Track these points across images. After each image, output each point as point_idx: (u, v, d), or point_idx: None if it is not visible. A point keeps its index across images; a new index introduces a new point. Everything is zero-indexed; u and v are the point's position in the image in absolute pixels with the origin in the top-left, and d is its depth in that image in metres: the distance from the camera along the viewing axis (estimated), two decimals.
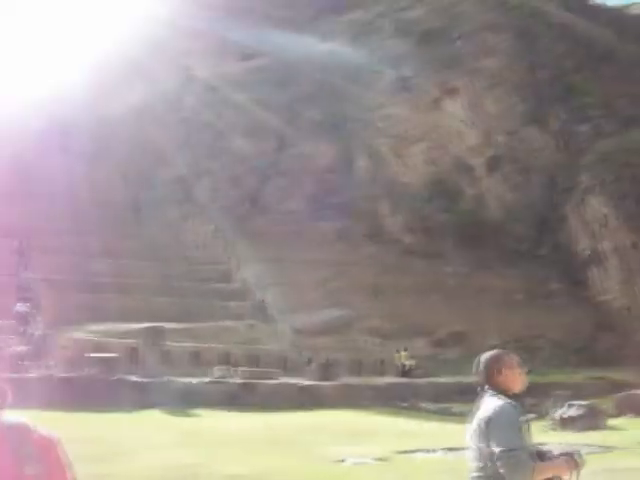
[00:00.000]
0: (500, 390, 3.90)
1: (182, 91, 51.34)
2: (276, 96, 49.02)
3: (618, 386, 28.88)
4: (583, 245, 44.57)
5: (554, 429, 19.25)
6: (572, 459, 3.75)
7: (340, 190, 46.92)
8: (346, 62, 50.97)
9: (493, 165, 48.57)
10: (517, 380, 3.99)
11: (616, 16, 63.10)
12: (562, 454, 3.87)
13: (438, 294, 39.85)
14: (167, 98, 49.34)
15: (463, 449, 13.11)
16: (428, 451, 14.85)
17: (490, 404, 3.80)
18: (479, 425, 3.74)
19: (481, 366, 4.01)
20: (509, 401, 3.81)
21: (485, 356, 4.07)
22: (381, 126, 49.81)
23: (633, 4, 69.98)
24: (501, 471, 3.59)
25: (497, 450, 3.61)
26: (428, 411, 24.99)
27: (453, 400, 26.20)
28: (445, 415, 23.87)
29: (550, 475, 3.67)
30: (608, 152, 44.85)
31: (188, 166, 47.00)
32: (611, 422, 21.01)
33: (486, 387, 3.96)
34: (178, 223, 45.09)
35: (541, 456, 3.81)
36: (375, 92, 50.48)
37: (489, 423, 3.71)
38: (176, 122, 49.64)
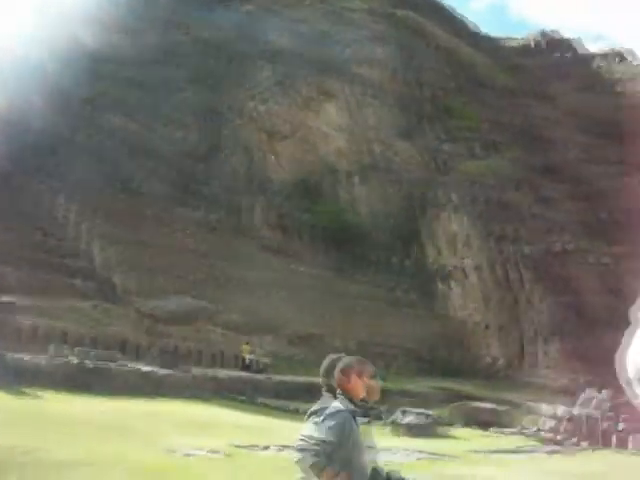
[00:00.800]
0: (345, 395, 3.88)
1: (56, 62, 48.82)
2: (153, 73, 47.69)
3: (459, 397, 30.25)
4: (438, 260, 46.33)
5: (393, 435, 19.80)
6: None
7: (207, 178, 46.37)
8: (229, 50, 50.55)
9: (360, 172, 49.54)
10: (362, 388, 3.97)
11: (494, 47, 66.25)
12: None
13: (292, 293, 40.12)
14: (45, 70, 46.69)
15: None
16: (262, 447, 14.86)
17: (329, 405, 3.78)
18: (311, 423, 3.71)
19: (330, 369, 3.99)
20: (349, 406, 3.80)
21: (336, 360, 4.04)
22: (254, 118, 49.65)
23: (508, 38, 73.82)
24: (296, 454, 3.57)
25: (300, 436, 3.59)
26: (268, 407, 25.02)
27: (295, 398, 26.42)
28: (284, 412, 24.00)
29: None
30: (471, 173, 46.85)
31: (57, 138, 44.59)
32: (445, 430, 21.92)
33: (327, 389, 3.94)
34: (44, 195, 42.74)
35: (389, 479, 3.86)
36: (253, 84, 50.29)
37: (318, 421, 3.69)
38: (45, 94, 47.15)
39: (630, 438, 19.44)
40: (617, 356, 2.26)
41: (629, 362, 2.13)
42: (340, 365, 3.96)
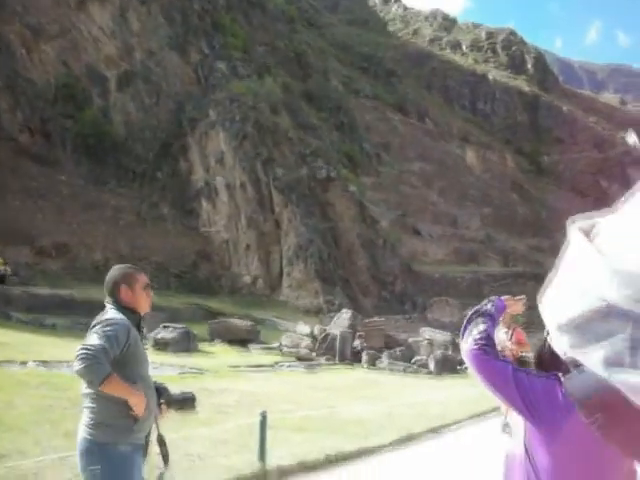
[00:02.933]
0: (122, 306, 3.81)
1: None
2: None
3: (212, 314, 30.80)
4: (199, 177, 46.18)
5: (154, 350, 19.70)
6: (145, 404, 3.72)
7: None
8: None
9: (125, 81, 47.53)
10: (142, 300, 3.94)
11: None
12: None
13: (47, 202, 38.10)
14: None
15: (55, 362, 12.72)
16: (20, 363, 14.21)
17: (105, 315, 3.69)
18: (92, 333, 3.63)
19: (110, 280, 3.88)
20: (128, 316, 3.76)
21: (116, 270, 3.95)
22: (18, 13, 45.30)
23: None
24: (75, 364, 3.50)
25: (80, 346, 3.52)
26: (20, 321, 23.81)
27: (49, 312, 25.42)
28: (38, 327, 23.03)
29: (120, 395, 3.60)
30: (239, 93, 46.71)
31: None
32: (204, 347, 22.28)
33: (109, 299, 3.86)
34: None
35: (158, 390, 3.85)
36: None
37: (94, 326, 3.62)
38: None
39: (380, 357, 21.15)
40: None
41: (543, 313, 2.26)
42: (119, 275, 3.89)
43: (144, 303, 3.96)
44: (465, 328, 2.42)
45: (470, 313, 2.51)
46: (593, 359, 0.80)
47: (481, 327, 2.40)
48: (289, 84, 55.12)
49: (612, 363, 0.76)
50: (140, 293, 3.93)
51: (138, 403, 3.64)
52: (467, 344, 2.34)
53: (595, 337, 0.77)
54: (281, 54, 59.97)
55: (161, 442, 3.95)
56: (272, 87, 50.08)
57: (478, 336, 2.34)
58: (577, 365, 2.08)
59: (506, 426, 6.18)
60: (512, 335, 8.69)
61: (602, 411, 1.45)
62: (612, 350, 0.76)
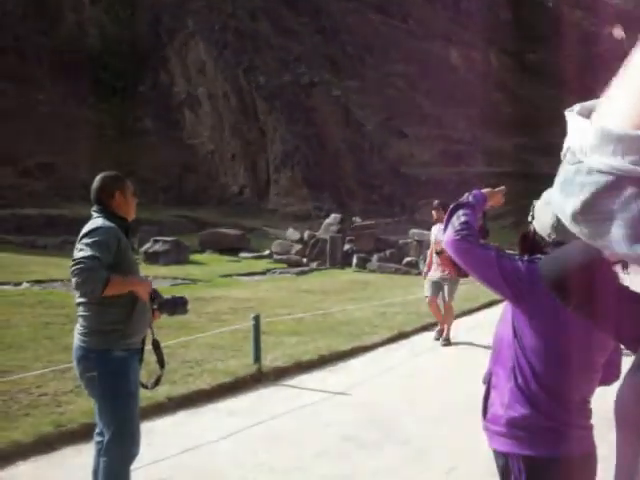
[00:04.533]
0: (111, 213, 3.81)
1: None
2: None
3: (202, 225, 30.88)
4: (180, 88, 45.37)
5: (146, 263, 19.84)
6: (151, 288, 3.84)
7: None
8: None
9: None
10: (131, 207, 3.95)
11: None
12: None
13: (27, 122, 37.44)
14: None
15: (50, 281, 12.85)
16: (14, 283, 14.33)
17: (94, 223, 3.70)
18: (82, 244, 3.62)
19: (102, 186, 3.87)
20: (115, 224, 3.75)
21: (107, 177, 3.93)
22: None
23: None
24: (72, 280, 3.53)
25: (72, 261, 3.54)
26: (12, 243, 23.85)
27: (39, 233, 25.43)
28: (30, 248, 23.10)
29: (126, 289, 3.66)
30: (217, 1, 45.41)
31: None
32: (195, 257, 22.46)
33: (96, 208, 3.84)
34: None
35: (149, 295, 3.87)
36: None
37: (82, 237, 3.63)
38: None
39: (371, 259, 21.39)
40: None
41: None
42: (106, 180, 3.89)
43: (132, 210, 3.98)
44: (447, 221, 2.46)
45: (452, 206, 2.56)
46: (614, 239, 0.78)
47: (462, 218, 2.45)
48: None
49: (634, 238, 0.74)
50: (131, 199, 3.96)
51: (144, 290, 3.74)
52: (448, 235, 2.39)
53: (609, 215, 0.76)
54: None
55: (156, 346, 4.04)
56: None
57: (459, 227, 2.40)
58: (558, 246, 2.13)
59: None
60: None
61: (573, 291, 1.49)
62: (630, 224, 0.74)
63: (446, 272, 9.44)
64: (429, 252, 10.39)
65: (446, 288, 9.76)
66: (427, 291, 9.96)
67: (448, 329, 9.86)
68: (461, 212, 2.50)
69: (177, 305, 3.95)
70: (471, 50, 74.76)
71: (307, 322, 10.60)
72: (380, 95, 54.98)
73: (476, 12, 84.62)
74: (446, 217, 2.53)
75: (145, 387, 4.05)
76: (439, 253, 9.37)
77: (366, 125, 48.39)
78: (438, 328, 10.26)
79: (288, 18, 52.57)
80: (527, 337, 2.28)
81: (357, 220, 24.67)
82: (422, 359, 9.00)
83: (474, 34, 78.08)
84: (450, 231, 2.43)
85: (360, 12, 66.95)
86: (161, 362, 4.05)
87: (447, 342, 9.77)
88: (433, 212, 9.90)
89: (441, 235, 2.87)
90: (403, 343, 9.97)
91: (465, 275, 6.16)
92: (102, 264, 3.51)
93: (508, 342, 2.34)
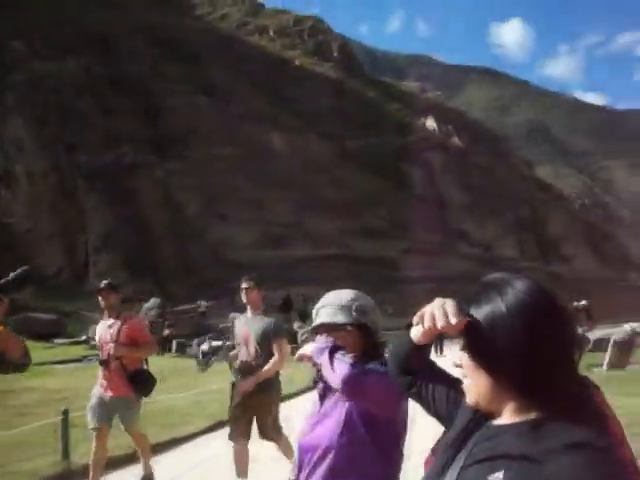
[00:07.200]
0: None
1: None
2: None
3: (15, 308, 29.21)
4: None
5: None
6: None
7: None
8: None
9: None
10: None
11: None
12: None
13: None
14: None
15: None
16: None
17: None
18: None
19: None
20: None
21: None
22: None
23: None
24: None
25: None
26: None
27: None
28: None
29: None
30: (33, 74, 44.48)
31: None
32: None
33: None
34: None
35: None
36: None
37: None
38: None
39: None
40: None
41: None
42: None
43: None
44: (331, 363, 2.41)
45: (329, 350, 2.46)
46: None
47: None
48: (93, 66, 53.18)
49: None
50: None
51: None
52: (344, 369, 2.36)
53: None
54: (85, 35, 57.60)
55: None
56: (75, 69, 48.13)
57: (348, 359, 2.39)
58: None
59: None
60: None
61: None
62: None
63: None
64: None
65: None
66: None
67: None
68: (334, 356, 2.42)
69: None
70: (294, 135, 77.22)
71: None
72: (202, 177, 55.45)
73: (300, 98, 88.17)
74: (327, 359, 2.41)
75: None
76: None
77: (188, 207, 48.56)
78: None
79: (113, 97, 52.36)
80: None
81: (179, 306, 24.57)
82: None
83: (298, 120, 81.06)
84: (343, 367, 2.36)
85: (185, 94, 67.80)
86: None
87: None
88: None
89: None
90: (221, 432, 9.97)
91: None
92: None
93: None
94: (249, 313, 6.13)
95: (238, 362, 5.98)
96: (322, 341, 2.46)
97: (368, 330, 2.49)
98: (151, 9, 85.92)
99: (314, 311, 2.55)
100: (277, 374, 6.08)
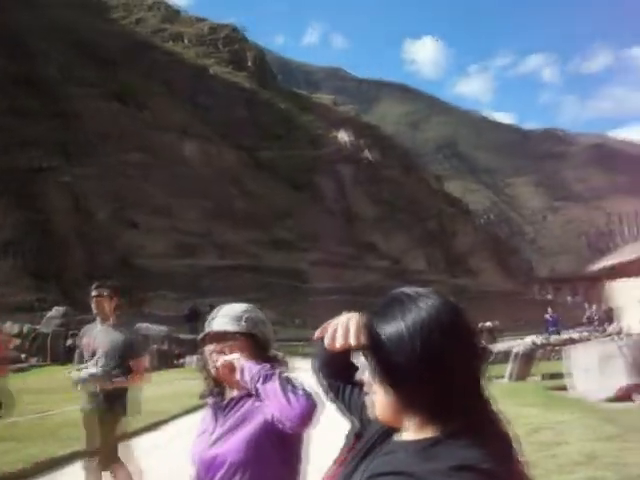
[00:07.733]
0: None
1: None
2: None
3: None
4: None
5: None
6: None
7: None
8: None
9: None
10: None
11: None
12: None
13: None
14: None
15: None
16: None
17: None
18: None
19: None
20: None
21: None
22: None
23: None
24: None
25: None
26: None
27: None
28: None
29: None
30: None
31: None
32: None
33: None
34: None
35: None
36: None
37: None
38: None
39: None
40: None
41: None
42: None
43: None
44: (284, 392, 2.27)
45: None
46: None
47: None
48: (3, 66, 51.63)
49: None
50: None
51: None
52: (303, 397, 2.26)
53: None
54: None
55: None
56: None
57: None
58: None
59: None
60: None
61: None
62: None
63: None
64: None
65: None
66: None
67: None
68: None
69: None
70: (207, 144, 76.86)
71: (22, 426, 10.10)
72: (112, 183, 54.57)
73: (213, 107, 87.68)
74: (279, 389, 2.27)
75: None
76: None
77: (97, 213, 47.73)
78: None
79: (23, 99, 50.99)
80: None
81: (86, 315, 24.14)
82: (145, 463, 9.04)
83: (211, 129, 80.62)
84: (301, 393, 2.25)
85: (97, 98, 66.61)
86: None
87: None
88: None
89: None
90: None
91: None
92: None
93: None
94: (98, 324, 5.65)
95: (85, 376, 5.30)
96: (267, 368, 2.33)
97: (258, 341, 2.47)
98: (66, 10, 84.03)
99: (206, 323, 2.50)
100: (126, 393, 5.41)
